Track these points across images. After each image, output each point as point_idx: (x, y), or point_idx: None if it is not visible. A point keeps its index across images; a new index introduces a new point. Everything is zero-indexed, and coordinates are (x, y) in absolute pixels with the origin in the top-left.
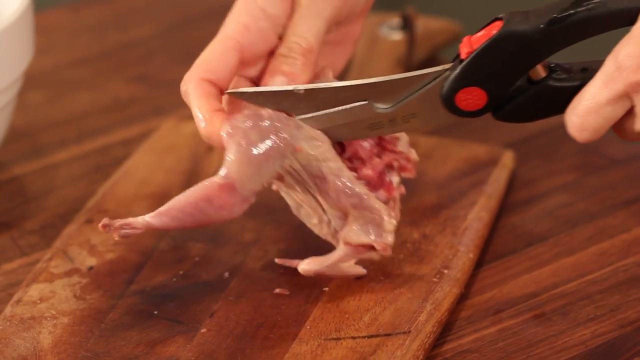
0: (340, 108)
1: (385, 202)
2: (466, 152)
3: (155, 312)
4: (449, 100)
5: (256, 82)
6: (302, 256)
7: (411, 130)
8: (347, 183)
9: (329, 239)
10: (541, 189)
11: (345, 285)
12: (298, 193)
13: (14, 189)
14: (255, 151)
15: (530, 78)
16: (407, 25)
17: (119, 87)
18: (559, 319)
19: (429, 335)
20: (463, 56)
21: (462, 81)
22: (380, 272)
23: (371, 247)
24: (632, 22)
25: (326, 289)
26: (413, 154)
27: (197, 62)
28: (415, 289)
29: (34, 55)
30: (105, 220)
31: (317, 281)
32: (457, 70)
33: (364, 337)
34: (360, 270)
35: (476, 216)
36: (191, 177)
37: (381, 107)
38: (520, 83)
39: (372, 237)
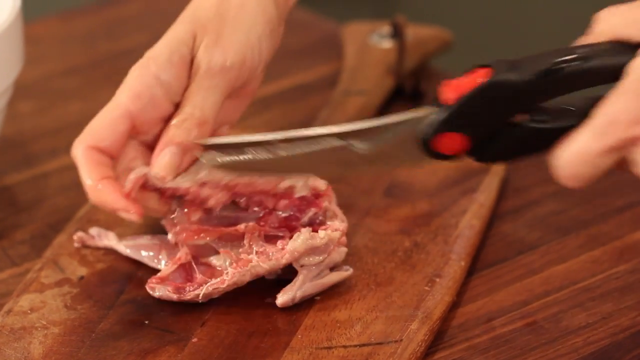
0: (318, 148)
1: (322, 216)
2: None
3: (146, 322)
4: (428, 144)
5: (152, 146)
6: (291, 267)
7: (388, 170)
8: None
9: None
10: (533, 196)
11: (336, 294)
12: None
13: (5, 198)
14: None
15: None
16: (397, 33)
17: (110, 96)
18: (551, 327)
19: (420, 343)
20: (446, 101)
21: (445, 126)
22: (371, 280)
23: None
24: (616, 79)
25: (317, 297)
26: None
27: (86, 130)
28: (406, 297)
29: (24, 64)
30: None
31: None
32: (441, 115)
33: (355, 345)
34: (344, 274)
35: (467, 224)
36: None
37: (360, 147)
38: (499, 125)
39: (322, 235)
